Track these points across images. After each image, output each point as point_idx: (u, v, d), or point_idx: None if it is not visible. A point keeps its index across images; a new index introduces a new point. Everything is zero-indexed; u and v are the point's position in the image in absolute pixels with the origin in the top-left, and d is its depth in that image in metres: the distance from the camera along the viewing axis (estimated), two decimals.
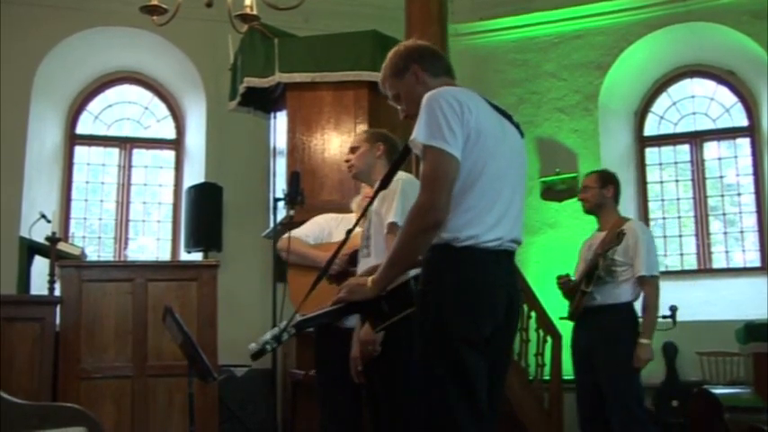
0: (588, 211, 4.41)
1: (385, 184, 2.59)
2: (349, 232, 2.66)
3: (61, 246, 4.94)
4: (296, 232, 3.76)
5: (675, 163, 7.81)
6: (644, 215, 7.75)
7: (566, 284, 4.37)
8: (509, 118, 2.42)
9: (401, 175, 3.20)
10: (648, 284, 4.13)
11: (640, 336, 4.06)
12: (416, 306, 2.26)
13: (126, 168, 7.81)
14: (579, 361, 4.29)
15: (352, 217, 3.58)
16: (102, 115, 7.85)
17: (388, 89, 2.52)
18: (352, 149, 3.40)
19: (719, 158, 7.71)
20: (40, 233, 5.03)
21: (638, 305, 4.23)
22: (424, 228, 2.17)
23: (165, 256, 7.64)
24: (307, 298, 2.48)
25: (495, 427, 2.30)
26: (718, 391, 5.22)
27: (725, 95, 7.72)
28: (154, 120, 8.00)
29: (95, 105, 7.83)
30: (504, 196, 2.27)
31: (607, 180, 4.37)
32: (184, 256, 7.14)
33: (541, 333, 5.77)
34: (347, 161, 3.43)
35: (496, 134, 2.28)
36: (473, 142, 2.20)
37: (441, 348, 2.18)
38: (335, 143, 5.17)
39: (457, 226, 2.19)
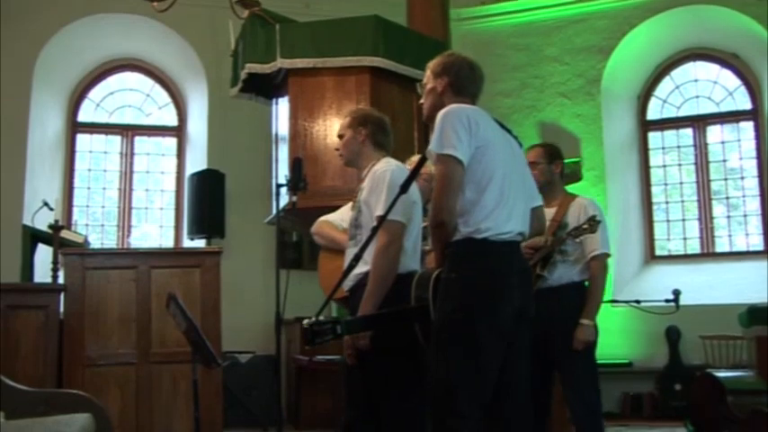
0: None
1: (404, 189, 2.71)
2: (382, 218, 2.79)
3: (64, 234, 4.95)
4: (331, 216, 3.70)
5: (678, 147, 7.80)
6: (647, 199, 7.74)
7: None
8: (509, 131, 2.79)
9: (391, 164, 3.15)
10: (598, 261, 3.77)
11: (582, 316, 3.69)
12: (440, 291, 2.55)
13: (128, 156, 7.81)
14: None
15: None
16: (103, 103, 7.84)
17: (425, 78, 2.85)
18: (340, 136, 3.34)
19: (723, 142, 7.69)
20: (42, 221, 5.04)
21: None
22: (432, 224, 2.56)
23: (168, 243, 7.65)
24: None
25: (528, 408, 2.62)
26: (721, 374, 5.21)
27: (728, 79, 7.69)
28: (155, 107, 7.99)
29: (97, 93, 7.83)
30: (512, 196, 2.62)
31: (554, 155, 3.95)
32: (187, 243, 7.16)
33: None
34: (337, 149, 3.37)
35: (502, 144, 2.67)
36: (482, 151, 2.56)
37: (459, 328, 2.46)
38: (337, 129, 5.15)
39: (476, 221, 2.53)
